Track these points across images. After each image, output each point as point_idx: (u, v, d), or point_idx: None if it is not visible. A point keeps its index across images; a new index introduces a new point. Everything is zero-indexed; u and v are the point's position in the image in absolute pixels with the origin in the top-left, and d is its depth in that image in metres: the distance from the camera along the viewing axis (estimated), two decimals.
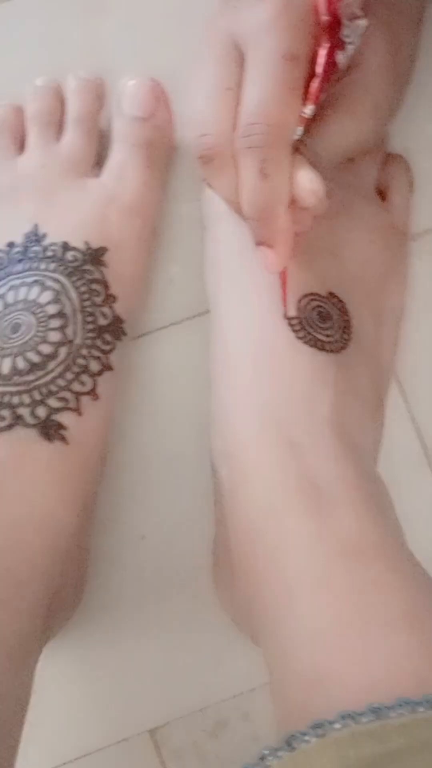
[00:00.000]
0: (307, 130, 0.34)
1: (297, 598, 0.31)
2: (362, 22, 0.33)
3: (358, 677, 0.27)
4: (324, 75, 0.32)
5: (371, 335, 0.40)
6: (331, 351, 0.38)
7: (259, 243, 0.34)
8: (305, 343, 0.38)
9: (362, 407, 0.38)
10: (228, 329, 0.39)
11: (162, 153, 0.43)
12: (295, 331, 0.38)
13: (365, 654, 0.28)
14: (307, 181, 0.33)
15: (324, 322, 0.38)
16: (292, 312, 0.38)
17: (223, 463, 0.38)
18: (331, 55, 0.32)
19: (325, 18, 0.32)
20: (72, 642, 0.42)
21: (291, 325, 0.38)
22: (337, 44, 0.32)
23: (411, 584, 0.30)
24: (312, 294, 0.38)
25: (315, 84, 0.33)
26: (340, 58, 0.33)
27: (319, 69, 0.32)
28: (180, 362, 0.44)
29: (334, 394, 0.37)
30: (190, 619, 0.43)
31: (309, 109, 0.33)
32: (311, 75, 0.33)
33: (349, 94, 0.35)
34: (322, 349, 0.38)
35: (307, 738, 0.25)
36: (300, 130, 0.33)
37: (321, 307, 0.38)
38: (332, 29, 0.32)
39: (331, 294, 0.39)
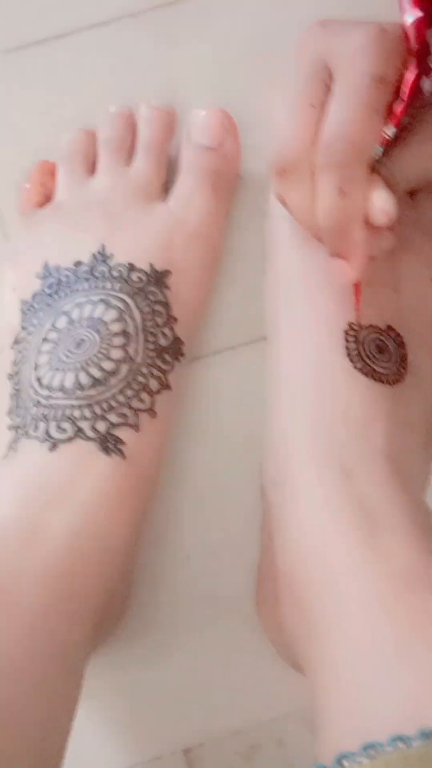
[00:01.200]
0: (386, 153, 0.35)
1: (348, 622, 0.32)
2: None
3: (409, 702, 0.28)
4: (408, 99, 0.34)
5: (426, 370, 0.40)
6: (387, 383, 0.38)
7: (334, 255, 0.35)
8: (362, 373, 0.38)
9: (414, 439, 0.39)
10: (286, 356, 0.40)
11: (227, 182, 0.45)
12: (352, 361, 0.39)
13: (417, 679, 0.28)
14: (381, 201, 0.34)
15: (381, 354, 0.39)
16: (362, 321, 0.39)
17: (275, 487, 0.39)
18: (417, 80, 0.34)
19: (414, 46, 0.34)
20: (112, 657, 0.43)
21: (349, 356, 0.39)
22: (423, 71, 0.34)
23: None
24: (371, 326, 0.39)
25: (399, 107, 0.34)
26: (426, 85, 0.34)
27: (405, 93, 0.34)
28: (233, 387, 0.45)
29: (388, 425, 0.38)
30: (230, 640, 0.43)
31: (390, 131, 0.34)
32: (395, 99, 0.34)
33: (430, 122, 0.36)
34: (378, 380, 0.38)
35: (358, 759, 0.26)
36: (380, 150, 0.34)
37: (379, 339, 0.39)
38: (420, 57, 0.34)
39: (390, 327, 0.40)
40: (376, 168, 0.35)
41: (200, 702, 0.43)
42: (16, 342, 0.41)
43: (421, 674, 0.29)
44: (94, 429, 0.37)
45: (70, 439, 0.37)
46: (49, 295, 0.41)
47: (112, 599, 0.38)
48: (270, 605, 0.40)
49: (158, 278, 0.41)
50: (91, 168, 0.45)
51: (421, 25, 0.34)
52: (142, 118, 0.45)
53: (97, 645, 0.39)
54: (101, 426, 0.37)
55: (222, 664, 0.43)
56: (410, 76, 0.34)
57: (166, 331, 0.41)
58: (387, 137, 0.34)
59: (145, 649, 0.43)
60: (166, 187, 0.45)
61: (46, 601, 0.32)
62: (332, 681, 0.31)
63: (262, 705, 0.43)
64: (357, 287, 0.39)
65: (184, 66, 0.47)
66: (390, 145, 0.35)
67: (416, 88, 0.34)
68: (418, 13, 0.34)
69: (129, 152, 0.45)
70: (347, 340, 0.39)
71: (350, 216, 0.34)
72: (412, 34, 0.34)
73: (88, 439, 0.37)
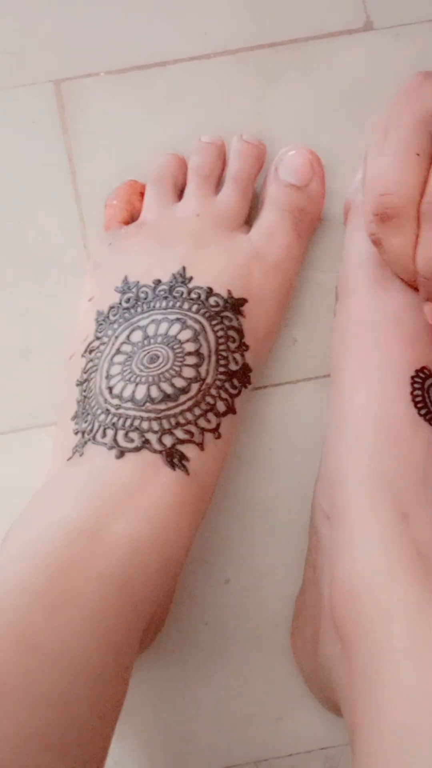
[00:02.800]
0: None
1: (398, 661, 0.32)
2: None
3: None
4: None
5: None
6: None
7: (430, 299, 0.36)
8: (426, 421, 0.39)
9: None
10: (350, 396, 0.41)
11: (309, 222, 0.46)
12: (417, 408, 0.39)
13: None
14: None
15: None
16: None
17: (326, 522, 0.40)
18: None
19: None
20: (140, 673, 0.43)
21: (414, 403, 0.39)
22: None
23: None
24: None
25: None
26: None
27: None
28: (289, 420, 0.46)
29: None
30: (260, 670, 0.43)
31: None
32: None
33: None
34: None
35: None
36: None
37: None
38: None
39: None
40: None
41: (224, 727, 0.43)
42: (89, 351, 0.42)
43: None
44: (160, 442, 0.38)
45: (137, 449, 0.38)
46: (126, 309, 0.42)
47: (158, 609, 0.38)
48: (306, 639, 0.41)
49: (235, 305, 0.42)
50: (179, 193, 0.46)
51: None
52: (233, 150, 0.46)
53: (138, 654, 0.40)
54: (168, 440, 0.38)
55: (250, 692, 0.43)
56: None
57: (237, 356, 0.41)
58: None
59: (174, 669, 0.43)
60: (250, 219, 0.46)
61: (105, 601, 0.32)
62: (377, 718, 0.31)
63: (284, 738, 0.43)
64: None
65: (278, 105, 0.48)
66: None
67: None
68: None
69: (217, 181, 0.46)
70: (413, 387, 0.40)
71: None
72: None
73: (155, 451, 0.38)
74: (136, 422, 0.38)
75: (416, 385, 0.40)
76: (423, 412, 0.39)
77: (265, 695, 0.43)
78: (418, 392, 0.40)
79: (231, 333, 0.42)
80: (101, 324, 0.43)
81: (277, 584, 0.44)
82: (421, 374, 0.40)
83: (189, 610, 0.44)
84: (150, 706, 0.43)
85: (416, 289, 0.38)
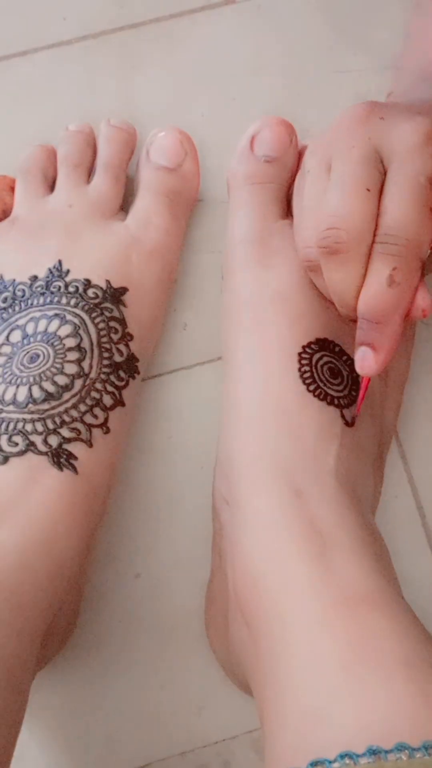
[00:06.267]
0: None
1: (296, 641, 0.32)
2: None
3: (357, 719, 0.28)
4: None
5: (377, 394, 0.41)
6: (339, 406, 0.39)
7: (363, 343, 0.36)
8: (315, 396, 0.39)
9: (365, 462, 0.39)
10: (240, 378, 0.40)
11: (185, 203, 0.45)
12: (306, 384, 0.39)
13: (364, 698, 0.28)
14: (422, 299, 0.35)
15: (334, 378, 0.39)
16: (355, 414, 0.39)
17: (226, 506, 0.39)
18: None
19: None
20: (56, 676, 0.42)
21: (303, 379, 0.39)
22: None
23: (408, 633, 0.31)
24: (322, 341, 0.40)
25: None
26: None
27: None
28: (186, 406, 0.45)
29: (340, 447, 0.38)
30: (178, 661, 0.43)
31: None
32: None
33: None
34: (330, 403, 0.39)
35: None
36: (429, 251, 0.35)
37: (332, 363, 0.40)
38: None
39: (342, 352, 0.40)
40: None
41: (146, 723, 0.42)
42: None
43: (365, 693, 0.29)
44: (46, 443, 0.37)
45: (21, 453, 0.37)
46: (4, 309, 0.41)
47: (60, 616, 0.37)
48: (219, 626, 0.40)
49: (114, 295, 0.41)
50: (51, 185, 0.45)
51: None
52: (102, 137, 0.45)
53: (44, 663, 0.39)
54: (53, 440, 0.37)
55: (170, 684, 0.42)
56: None
57: (122, 347, 0.41)
58: None
59: (91, 669, 0.43)
60: (124, 205, 0.45)
61: None
62: (280, 699, 0.31)
63: (208, 727, 0.42)
64: (366, 382, 0.39)
65: (145, 87, 0.47)
66: None
67: None
68: None
69: (88, 170, 0.45)
70: (301, 364, 0.39)
71: (394, 306, 0.34)
72: None
73: (40, 453, 0.37)
74: (20, 425, 0.37)
75: (304, 361, 0.40)
76: (312, 387, 0.39)
77: (186, 686, 0.43)
78: (306, 368, 0.39)
79: (113, 324, 0.41)
80: None
81: (188, 574, 0.43)
82: (308, 349, 0.40)
83: (101, 609, 0.43)
84: (68, 709, 0.42)
85: (354, 322, 0.37)
